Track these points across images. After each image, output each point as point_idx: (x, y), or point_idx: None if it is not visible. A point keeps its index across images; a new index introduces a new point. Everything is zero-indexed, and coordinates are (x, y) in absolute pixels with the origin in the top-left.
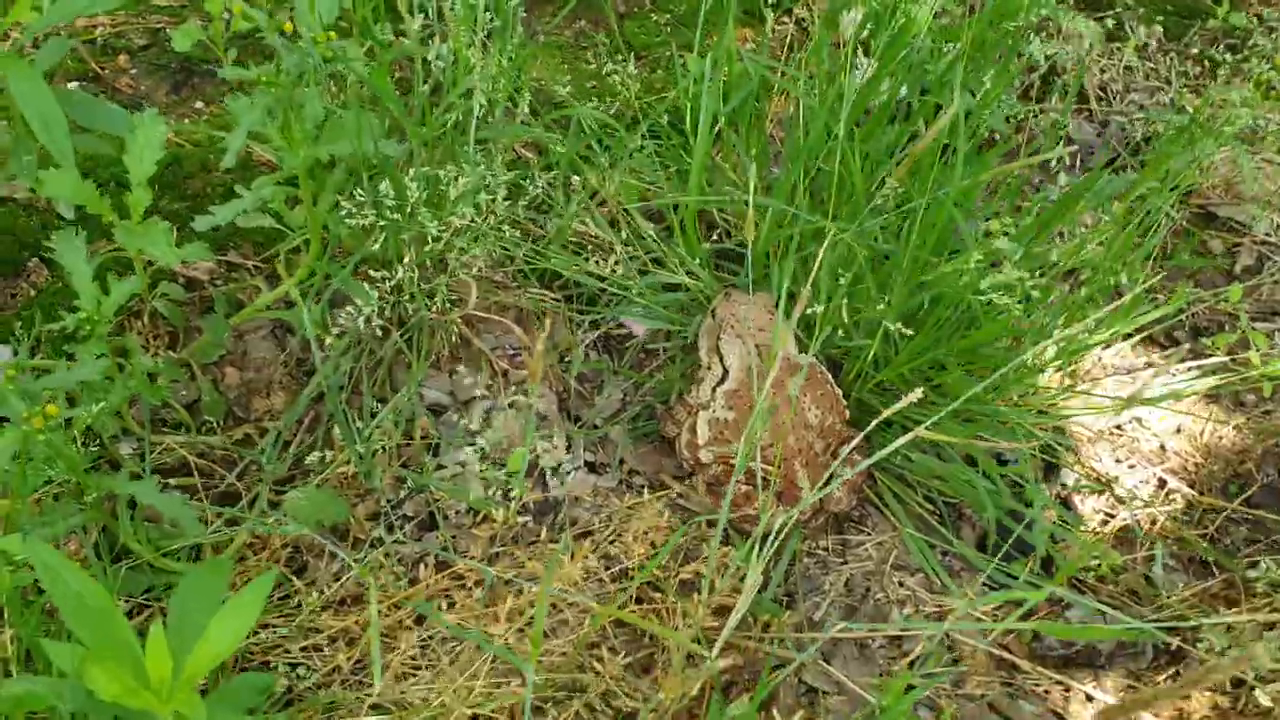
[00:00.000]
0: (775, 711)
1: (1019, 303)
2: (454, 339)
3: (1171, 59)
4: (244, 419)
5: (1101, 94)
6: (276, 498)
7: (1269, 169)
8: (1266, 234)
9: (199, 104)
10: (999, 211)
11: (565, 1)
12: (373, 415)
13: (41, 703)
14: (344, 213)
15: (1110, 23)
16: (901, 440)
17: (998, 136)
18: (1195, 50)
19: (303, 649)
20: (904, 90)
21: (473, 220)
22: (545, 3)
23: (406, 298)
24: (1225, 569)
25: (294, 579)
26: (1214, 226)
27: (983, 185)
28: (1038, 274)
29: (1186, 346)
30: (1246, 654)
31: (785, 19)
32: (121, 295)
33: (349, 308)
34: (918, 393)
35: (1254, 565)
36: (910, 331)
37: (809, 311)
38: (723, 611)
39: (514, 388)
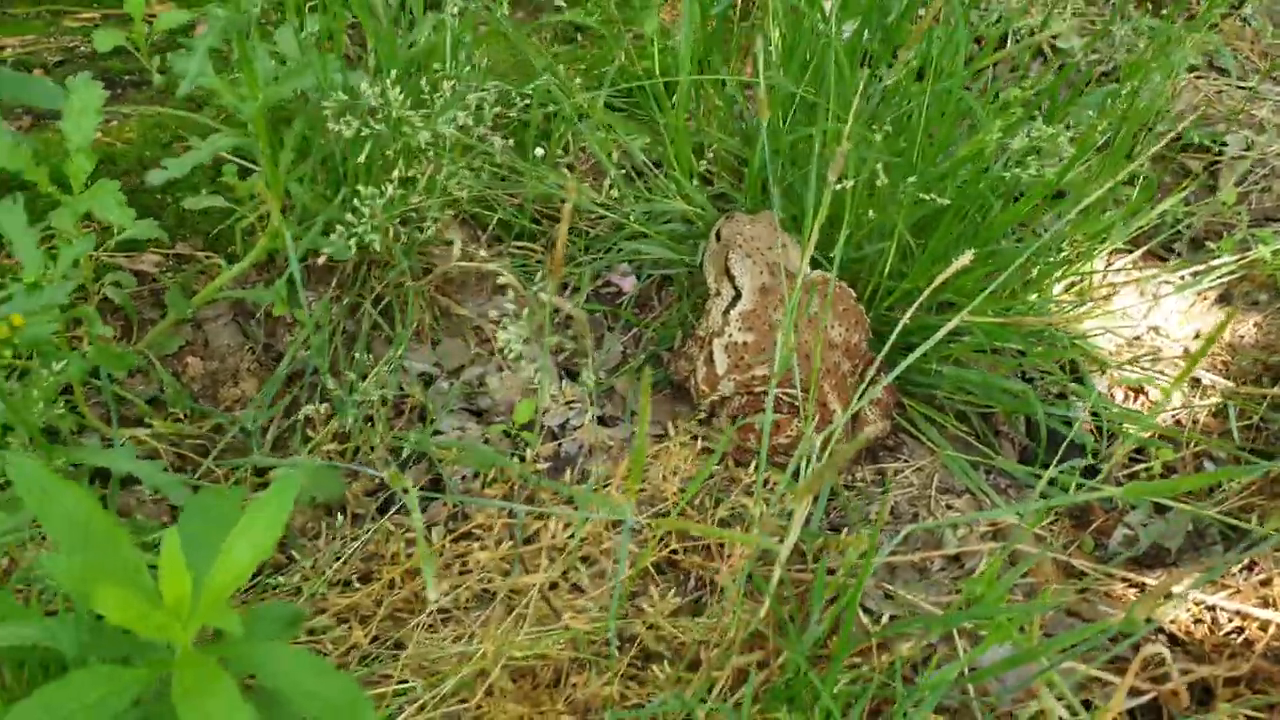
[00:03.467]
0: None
1: (1049, 165)
2: (434, 307)
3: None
4: (211, 411)
5: (1053, 38)
6: (261, 480)
7: (1229, 92)
8: (1244, 150)
9: (126, 111)
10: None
11: None
12: (353, 389)
13: (33, 651)
14: (330, 118)
15: None
16: (938, 336)
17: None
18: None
19: (310, 632)
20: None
21: (462, 127)
22: None
23: (388, 238)
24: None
25: (294, 558)
26: (1190, 149)
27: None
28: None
29: (1186, 258)
30: None
31: None
32: (69, 260)
33: (332, 235)
34: (968, 256)
35: None
36: (919, 240)
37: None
38: (767, 555)
39: (501, 354)
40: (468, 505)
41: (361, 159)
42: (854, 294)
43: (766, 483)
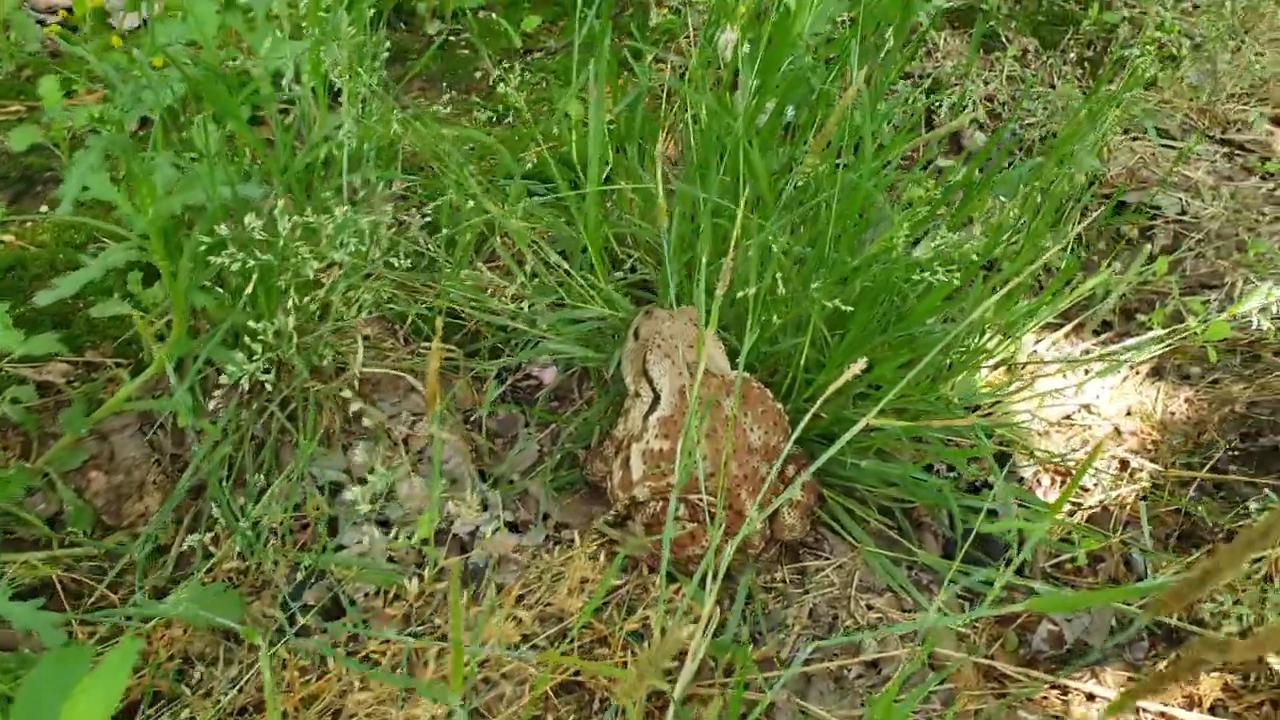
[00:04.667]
0: None
1: (951, 269)
2: (346, 410)
3: (1051, 64)
4: (115, 526)
5: (990, 103)
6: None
7: (1163, 153)
8: (1178, 214)
9: (44, 208)
10: (913, 189)
11: (424, 69)
12: (244, 512)
13: None
14: (210, 258)
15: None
16: (849, 434)
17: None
18: (1073, 54)
19: None
20: (790, 111)
21: (354, 253)
22: (406, 78)
23: (289, 353)
24: (1206, 540)
25: (186, 690)
26: (1123, 214)
27: (892, 163)
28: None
29: (1118, 330)
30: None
31: (660, 65)
32: None
33: (224, 376)
34: (861, 364)
35: (1231, 535)
36: (836, 331)
37: (733, 319)
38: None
39: (416, 455)
40: (371, 624)
41: (248, 291)
42: (771, 395)
43: (678, 592)
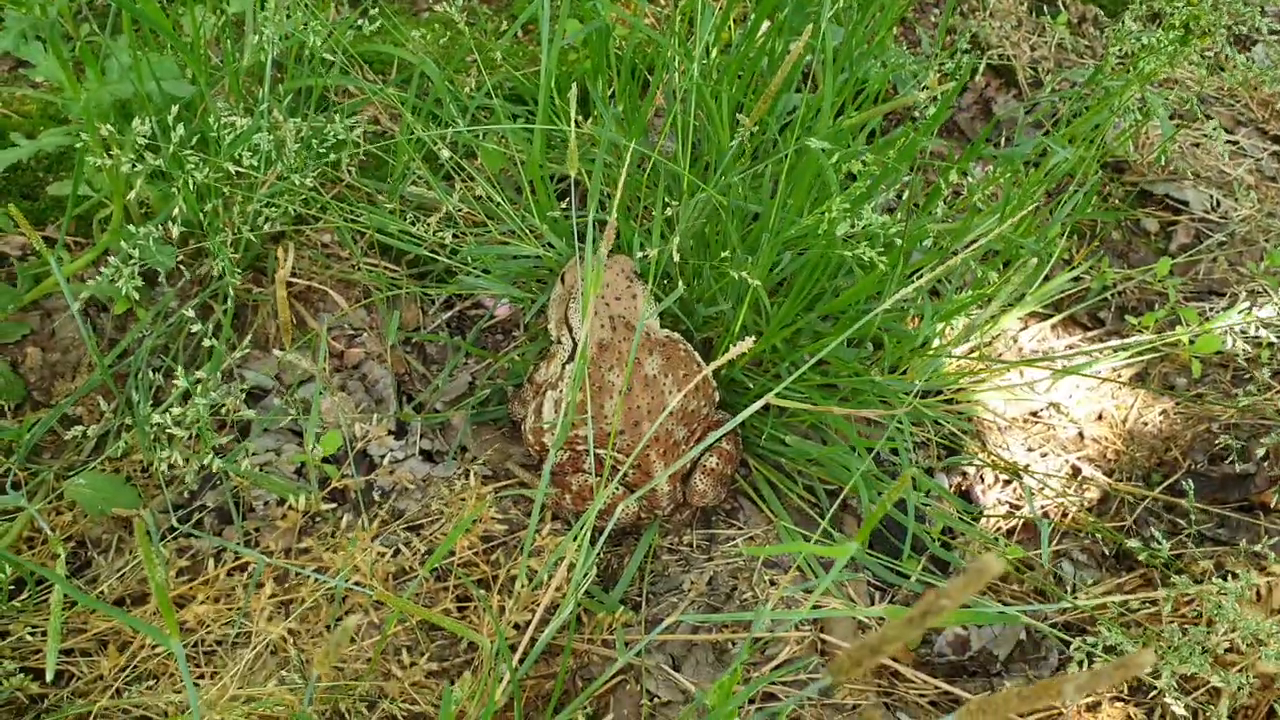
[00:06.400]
0: None
1: (880, 251)
2: (288, 317)
3: (1107, 35)
4: (44, 404)
5: (1032, 72)
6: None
7: (1207, 145)
8: (1205, 211)
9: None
10: (864, 156)
11: None
12: (186, 397)
13: None
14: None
15: None
16: (749, 411)
17: (897, 91)
18: (1135, 24)
19: (66, 652)
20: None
21: (251, 168)
22: None
23: (219, 262)
24: (1141, 564)
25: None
26: (1150, 204)
27: (855, 131)
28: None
29: (1110, 328)
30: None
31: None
32: None
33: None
34: (748, 341)
35: (1172, 561)
36: (776, 300)
37: (673, 271)
38: (546, 618)
39: (350, 370)
40: (263, 532)
41: (130, 195)
42: (699, 358)
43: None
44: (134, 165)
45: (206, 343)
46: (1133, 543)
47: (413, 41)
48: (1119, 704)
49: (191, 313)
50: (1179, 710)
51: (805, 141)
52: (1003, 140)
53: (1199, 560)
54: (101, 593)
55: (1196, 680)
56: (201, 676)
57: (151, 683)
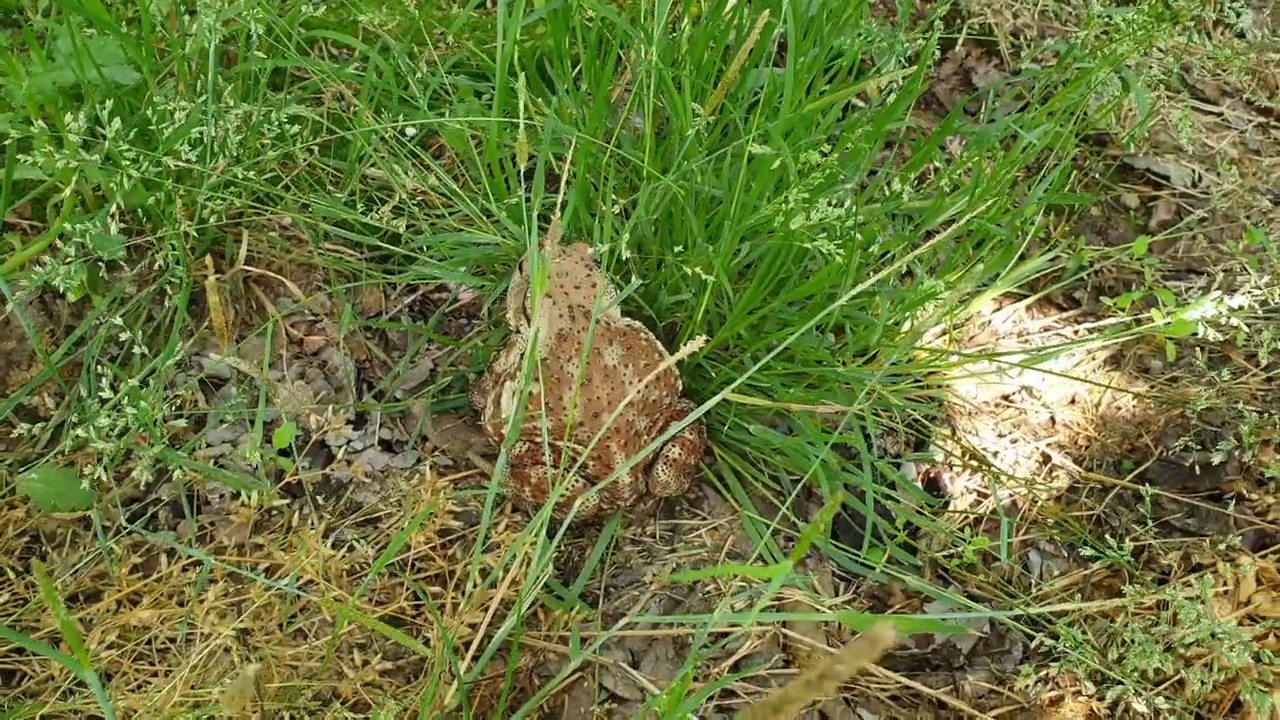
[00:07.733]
0: None
1: (838, 245)
2: (245, 303)
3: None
4: None
5: (1015, 40)
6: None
7: (1194, 118)
8: (1187, 187)
9: None
10: (821, 145)
11: None
12: (144, 385)
13: None
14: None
15: None
16: (707, 405)
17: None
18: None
19: (18, 651)
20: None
21: (191, 162)
22: None
23: (168, 252)
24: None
25: (25, 575)
26: (1130, 179)
27: (818, 116)
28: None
29: (1086, 309)
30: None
31: None
32: None
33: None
34: (699, 341)
35: (1140, 550)
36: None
37: (629, 263)
38: (501, 615)
39: (310, 357)
40: (219, 526)
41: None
42: (661, 348)
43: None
44: (68, 162)
45: (138, 350)
46: (1087, 551)
47: (369, 18)
48: (1081, 699)
49: (121, 320)
50: (1140, 707)
51: (752, 148)
52: (982, 110)
53: (1166, 553)
54: (56, 588)
55: (1161, 674)
56: (155, 674)
57: (104, 683)
